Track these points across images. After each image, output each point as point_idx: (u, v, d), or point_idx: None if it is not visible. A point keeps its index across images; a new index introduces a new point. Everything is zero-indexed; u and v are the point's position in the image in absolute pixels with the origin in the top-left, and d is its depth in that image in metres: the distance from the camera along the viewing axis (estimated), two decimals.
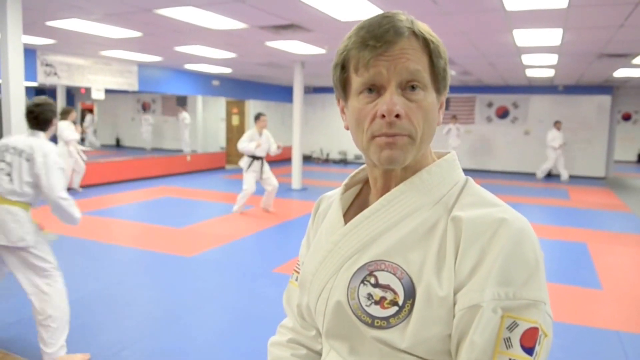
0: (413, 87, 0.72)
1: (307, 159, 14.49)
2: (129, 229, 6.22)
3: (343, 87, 0.79)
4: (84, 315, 3.39)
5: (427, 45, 0.73)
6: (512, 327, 0.65)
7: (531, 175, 12.34)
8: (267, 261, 4.81)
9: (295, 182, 9.48)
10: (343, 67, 0.77)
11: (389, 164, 0.75)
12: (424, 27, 0.75)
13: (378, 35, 0.72)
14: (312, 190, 9.26)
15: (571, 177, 11.77)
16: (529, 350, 0.65)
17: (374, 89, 0.73)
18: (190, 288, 4.04)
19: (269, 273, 4.44)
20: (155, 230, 6.07)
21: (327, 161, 15.25)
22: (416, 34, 0.73)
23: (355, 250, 0.77)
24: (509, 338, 0.65)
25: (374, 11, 4.61)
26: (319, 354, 0.94)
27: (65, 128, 7.63)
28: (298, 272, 0.96)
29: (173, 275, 4.35)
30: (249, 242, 5.64)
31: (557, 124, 11.33)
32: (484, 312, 0.65)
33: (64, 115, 7.63)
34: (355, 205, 0.88)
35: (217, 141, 14.10)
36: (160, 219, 6.74)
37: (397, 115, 0.71)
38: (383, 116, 0.71)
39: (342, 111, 0.82)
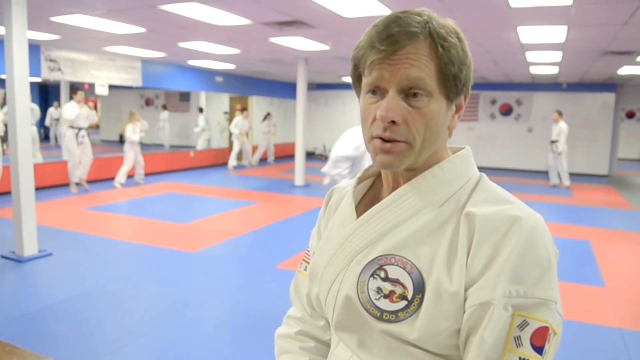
0: (415, 94, 0.71)
1: (309, 155, 14.48)
2: (133, 225, 6.24)
3: (358, 82, 0.80)
4: (87, 310, 3.42)
5: (436, 50, 0.71)
6: (523, 325, 0.66)
7: (534, 173, 12.32)
8: (270, 257, 4.82)
9: (298, 178, 9.49)
10: (356, 65, 0.78)
11: (383, 168, 0.76)
12: (440, 28, 0.72)
13: (384, 38, 0.71)
14: (315, 187, 9.26)
15: (574, 174, 11.75)
16: (539, 349, 0.66)
17: (378, 91, 0.74)
18: (194, 284, 4.06)
19: (273, 269, 4.46)
20: (158, 226, 6.08)
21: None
22: (426, 37, 0.71)
23: (366, 244, 0.78)
24: (519, 337, 0.65)
25: (378, 7, 4.60)
26: (328, 344, 0.94)
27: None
28: (307, 262, 0.96)
29: (176, 270, 4.37)
30: (253, 238, 5.66)
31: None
32: (494, 310, 0.65)
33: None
34: (367, 199, 0.88)
35: (221, 137, 14.11)
36: (163, 214, 6.76)
37: (393, 122, 0.71)
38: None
39: None
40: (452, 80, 0.73)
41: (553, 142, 9.75)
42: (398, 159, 0.73)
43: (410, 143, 0.72)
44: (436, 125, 0.74)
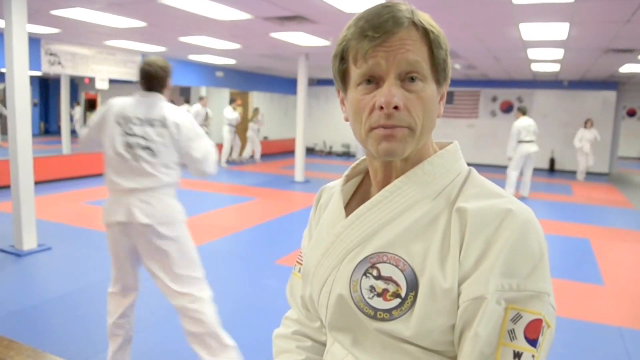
0: (412, 79, 0.71)
1: (310, 151, 14.47)
2: None
3: (342, 78, 0.78)
4: (86, 305, 3.41)
5: (426, 36, 0.72)
6: (516, 318, 0.66)
7: (535, 170, 12.31)
8: (269, 253, 4.83)
9: (298, 174, 9.48)
10: (342, 58, 0.76)
11: (388, 156, 0.74)
12: (424, 17, 0.74)
13: (377, 26, 0.71)
14: (315, 183, 9.26)
15: (574, 172, 11.74)
16: (533, 342, 0.66)
17: (373, 80, 0.72)
18: None
19: (272, 264, 4.46)
20: None
21: (330, 154, 15.24)
22: (416, 24, 0.72)
23: (358, 242, 0.77)
24: (513, 330, 0.65)
25: (379, 2, 4.57)
26: (324, 344, 0.94)
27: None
28: (300, 264, 0.95)
29: None
30: (252, 233, 5.66)
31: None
32: (488, 304, 0.65)
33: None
34: (356, 197, 0.87)
35: (220, 132, 14.09)
36: None
37: (396, 107, 0.70)
38: (381, 108, 0.70)
39: (342, 102, 0.82)
40: (442, 65, 0.74)
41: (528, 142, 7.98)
42: (402, 145, 0.72)
43: (413, 128, 0.72)
44: (432, 110, 0.74)
